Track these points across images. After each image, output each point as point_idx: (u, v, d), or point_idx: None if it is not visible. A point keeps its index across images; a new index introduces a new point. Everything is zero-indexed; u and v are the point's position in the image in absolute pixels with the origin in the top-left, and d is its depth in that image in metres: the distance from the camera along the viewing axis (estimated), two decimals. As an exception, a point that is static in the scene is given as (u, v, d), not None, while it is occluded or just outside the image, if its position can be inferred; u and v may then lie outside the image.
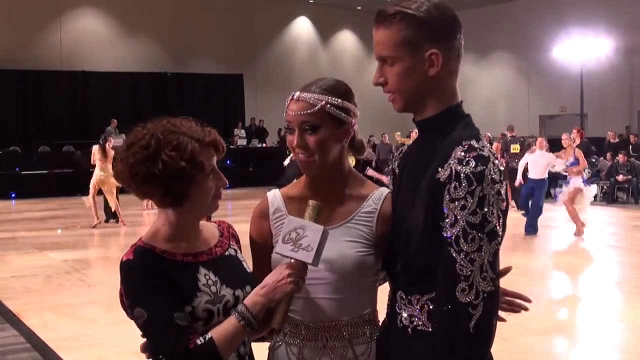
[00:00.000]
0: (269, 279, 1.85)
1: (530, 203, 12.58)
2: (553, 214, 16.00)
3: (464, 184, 1.69)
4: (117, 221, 13.84)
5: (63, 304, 7.49)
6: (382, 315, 2.03)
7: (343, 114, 1.95)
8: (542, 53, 25.79)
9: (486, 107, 26.60)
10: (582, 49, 23.73)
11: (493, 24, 27.53)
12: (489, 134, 17.84)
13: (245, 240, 2.10)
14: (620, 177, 17.68)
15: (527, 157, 12.94)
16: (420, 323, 1.81)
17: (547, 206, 17.13)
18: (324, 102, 1.93)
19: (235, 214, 15.81)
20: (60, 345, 5.97)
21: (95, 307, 7.21)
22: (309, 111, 1.93)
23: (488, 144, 1.78)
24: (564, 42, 24.32)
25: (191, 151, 1.83)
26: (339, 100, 1.95)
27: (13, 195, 20.44)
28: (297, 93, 1.96)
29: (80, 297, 7.83)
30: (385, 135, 20.80)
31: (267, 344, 2.10)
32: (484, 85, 28.20)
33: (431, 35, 1.78)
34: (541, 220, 14.59)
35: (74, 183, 19.77)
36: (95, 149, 14.00)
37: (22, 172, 21.00)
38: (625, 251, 10.98)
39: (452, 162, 1.72)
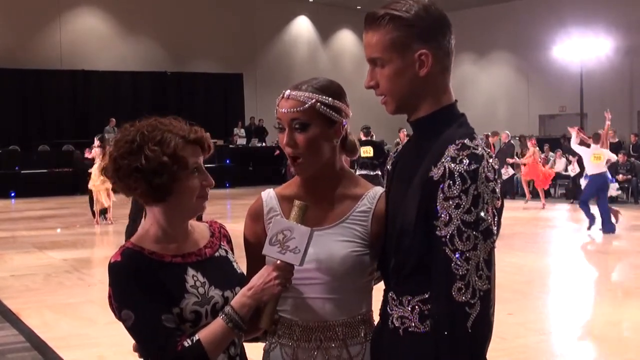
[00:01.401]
0: (256, 281, 1.84)
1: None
2: (552, 214, 16.01)
3: (457, 183, 1.69)
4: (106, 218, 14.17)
5: (63, 303, 7.49)
6: (376, 315, 2.03)
7: (334, 113, 1.94)
8: (542, 53, 25.77)
9: (486, 107, 26.59)
10: (582, 49, 23.72)
11: (493, 24, 27.51)
12: (489, 134, 17.83)
13: (241, 240, 2.09)
14: (620, 177, 17.67)
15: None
16: (411, 324, 1.80)
17: (545, 205, 17.15)
18: (314, 100, 1.92)
19: (235, 213, 15.82)
20: (59, 344, 5.97)
21: (94, 306, 7.20)
22: (298, 109, 1.92)
23: (482, 143, 1.77)
24: (563, 41, 24.29)
25: (174, 147, 1.83)
26: (330, 99, 1.94)
27: (13, 194, 20.46)
28: (288, 91, 1.96)
29: (80, 296, 7.83)
30: (403, 130, 20.23)
31: (262, 345, 2.09)
32: (483, 85, 28.19)
33: (420, 36, 1.78)
34: (540, 220, 14.61)
35: (74, 182, 19.79)
36: (98, 152, 13.95)
37: (22, 171, 21.02)
38: (625, 251, 10.99)
39: (445, 161, 1.71)
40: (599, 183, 12.28)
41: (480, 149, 1.73)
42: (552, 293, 8.08)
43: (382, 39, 1.80)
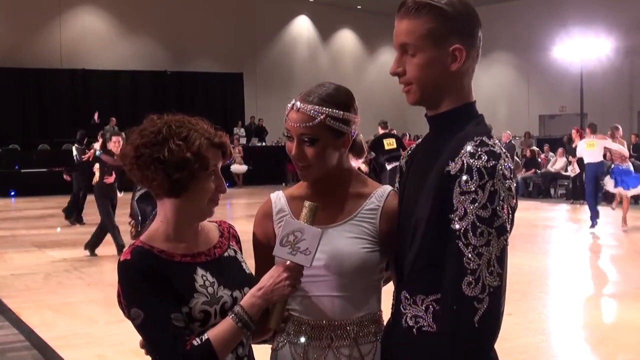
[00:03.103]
0: (266, 281, 1.85)
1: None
2: (552, 214, 16.02)
3: (475, 178, 1.69)
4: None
5: (62, 302, 7.49)
6: (386, 315, 2.03)
7: (343, 126, 1.95)
8: (542, 53, 25.78)
9: (486, 107, 26.52)
10: (582, 49, 23.72)
11: (493, 24, 27.45)
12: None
13: (244, 239, 2.09)
14: (619, 178, 17.65)
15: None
16: (425, 324, 1.80)
17: (545, 205, 17.15)
18: (323, 115, 1.92)
19: (235, 213, 15.82)
20: (59, 343, 5.96)
21: (94, 306, 7.21)
22: (307, 124, 1.92)
23: (499, 142, 1.78)
24: (564, 42, 24.30)
25: (198, 145, 1.85)
26: (339, 112, 1.93)
27: (13, 193, 20.45)
28: (298, 103, 1.94)
29: (80, 295, 7.83)
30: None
31: (270, 345, 2.09)
32: (484, 85, 28.14)
33: (457, 30, 1.79)
34: (540, 221, 14.60)
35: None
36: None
37: (22, 170, 21.01)
38: (624, 251, 10.99)
39: (463, 156, 1.72)
40: (593, 171, 12.55)
41: (497, 147, 1.74)
42: (552, 293, 8.08)
43: (419, 27, 1.79)
